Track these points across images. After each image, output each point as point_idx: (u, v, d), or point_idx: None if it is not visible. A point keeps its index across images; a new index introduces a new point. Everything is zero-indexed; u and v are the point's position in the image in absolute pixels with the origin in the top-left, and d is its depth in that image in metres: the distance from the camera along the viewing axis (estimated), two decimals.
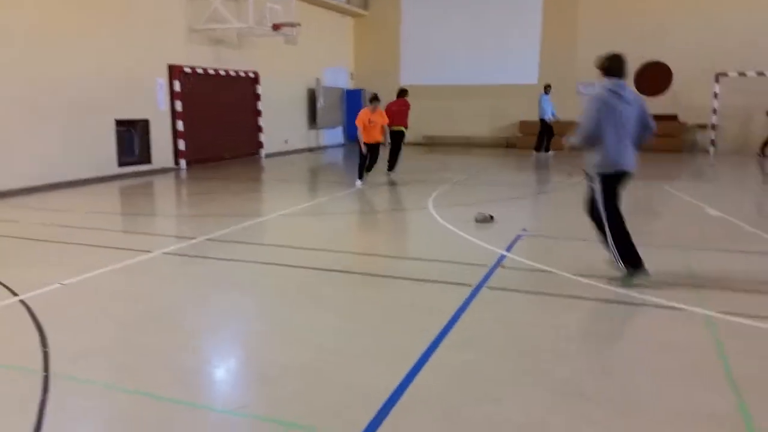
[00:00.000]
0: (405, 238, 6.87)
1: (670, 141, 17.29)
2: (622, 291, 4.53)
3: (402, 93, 11.90)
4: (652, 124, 4.78)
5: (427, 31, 20.15)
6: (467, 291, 4.58)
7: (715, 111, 16.78)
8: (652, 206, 9.12)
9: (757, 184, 11.94)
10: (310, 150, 18.47)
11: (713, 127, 16.96)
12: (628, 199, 9.88)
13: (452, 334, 3.74)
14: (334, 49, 20.04)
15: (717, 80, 16.56)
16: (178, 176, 12.37)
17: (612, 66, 4.63)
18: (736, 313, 4.03)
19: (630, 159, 4.64)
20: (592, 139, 4.53)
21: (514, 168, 14.54)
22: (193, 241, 6.33)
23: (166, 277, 5.19)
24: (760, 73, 16.26)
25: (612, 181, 4.62)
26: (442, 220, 7.44)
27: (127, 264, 5.40)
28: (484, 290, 4.64)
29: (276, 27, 14.22)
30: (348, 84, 20.92)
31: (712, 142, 17.01)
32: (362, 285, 4.93)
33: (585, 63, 18.59)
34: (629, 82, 4.77)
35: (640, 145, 4.74)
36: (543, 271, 5.17)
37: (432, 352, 3.46)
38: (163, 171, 12.68)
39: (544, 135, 16.43)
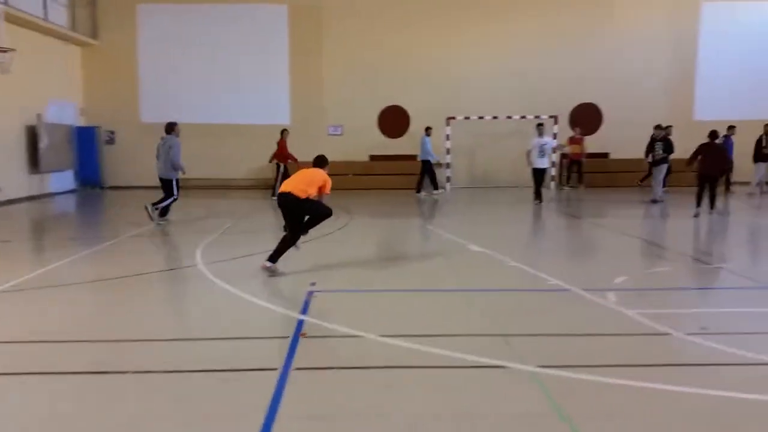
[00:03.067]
0: (179, 312, 5.75)
1: (413, 179, 18.61)
2: (437, 352, 4.24)
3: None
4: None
5: (169, 66, 18.69)
6: (273, 378, 3.81)
7: (448, 151, 18.61)
8: (417, 245, 9.38)
9: (493, 215, 13.33)
10: (33, 198, 15.46)
11: (448, 165, 18.76)
12: (400, 238, 10.29)
13: None
14: (58, 81, 17.29)
15: (448, 123, 18.45)
16: None
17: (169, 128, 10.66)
18: (556, 366, 3.99)
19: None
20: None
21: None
22: None
23: None
24: (481, 117, 18.61)
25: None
26: (217, 280, 6.49)
27: None
28: (293, 374, 3.91)
29: None
30: (77, 120, 18.23)
31: (448, 179, 18.79)
32: (131, 390, 3.78)
33: (332, 107, 19.36)
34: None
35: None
36: (350, 336, 4.65)
37: None
38: None
39: (424, 175, 16.74)
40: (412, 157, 19.00)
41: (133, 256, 8.24)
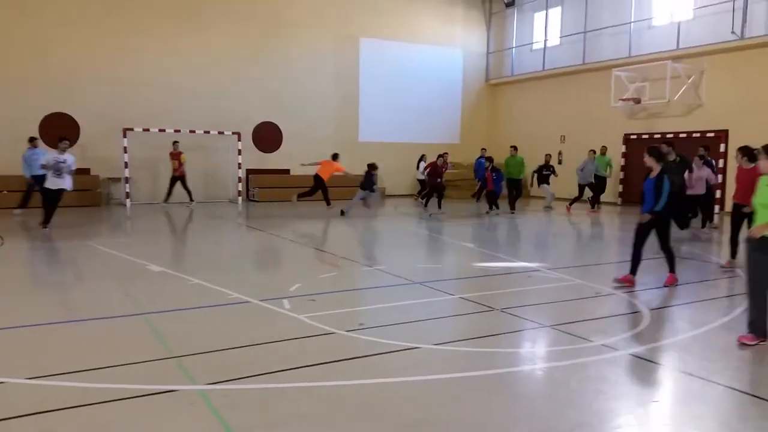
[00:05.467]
0: None
1: (87, 195, 16.91)
2: (99, 386, 3.86)
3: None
4: None
5: None
6: None
7: (126, 164, 17.33)
8: (86, 269, 8.46)
9: (178, 232, 12.85)
10: None
11: (127, 179, 17.45)
12: (64, 262, 9.06)
13: None
14: None
15: (125, 135, 17.17)
16: None
17: None
18: (227, 380, 4.00)
19: None
20: None
21: None
22: None
23: None
24: (162, 130, 17.81)
25: None
26: None
27: None
28: None
29: None
30: None
31: (128, 195, 17.48)
32: None
33: None
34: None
35: None
36: None
37: None
38: None
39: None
40: (85, 171, 17.22)
41: None
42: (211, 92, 18.98)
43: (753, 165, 7.65)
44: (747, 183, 7.39)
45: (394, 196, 21.09)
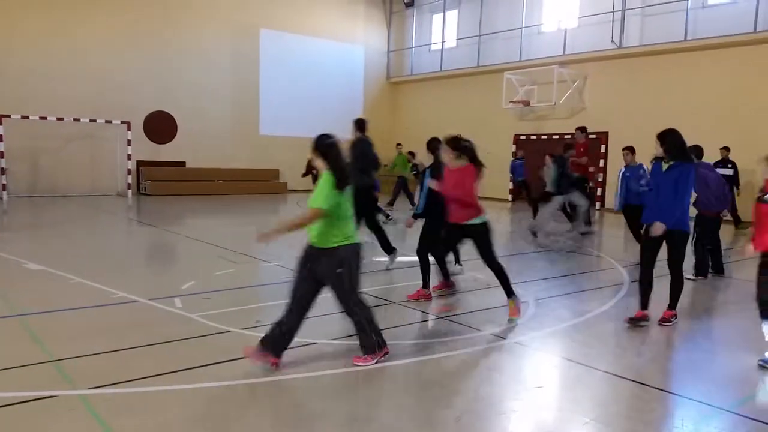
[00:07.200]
0: None
1: None
2: None
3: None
4: None
5: None
6: None
7: (2, 154, 15.95)
8: None
9: (60, 227, 11.99)
10: None
11: (3, 171, 16.07)
12: None
13: None
14: None
15: (0, 122, 15.79)
16: None
17: None
18: (111, 384, 3.79)
19: None
20: None
21: None
22: None
23: None
24: (43, 117, 16.55)
25: None
26: None
27: None
28: None
29: None
30: None
31: (4, 187, 16.11)
32: None
33: None
34: None
35: None
36: None
37: None
38: None
39: None
40: None
41: None
42: (98, 78, 17.85)
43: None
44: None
45: (296, 191, 20.87)
